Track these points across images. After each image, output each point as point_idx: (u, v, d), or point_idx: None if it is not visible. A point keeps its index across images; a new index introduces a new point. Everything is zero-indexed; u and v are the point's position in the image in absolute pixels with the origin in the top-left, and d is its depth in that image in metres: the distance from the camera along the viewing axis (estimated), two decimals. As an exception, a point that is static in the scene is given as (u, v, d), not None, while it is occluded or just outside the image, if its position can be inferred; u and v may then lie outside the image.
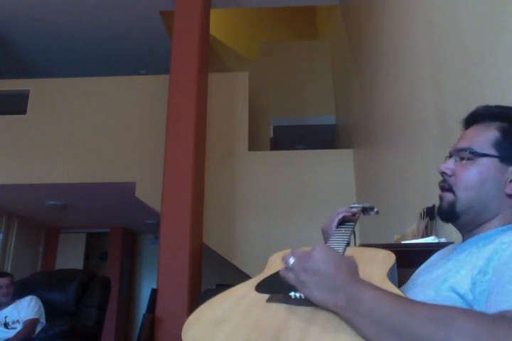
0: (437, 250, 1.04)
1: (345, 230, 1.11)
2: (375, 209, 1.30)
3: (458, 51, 2.07)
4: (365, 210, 1.28)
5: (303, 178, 5.13)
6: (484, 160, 0.85)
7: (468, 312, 0.62)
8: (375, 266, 0.87)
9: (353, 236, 1.17)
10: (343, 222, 1.18)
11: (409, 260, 1.09)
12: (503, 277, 0.66)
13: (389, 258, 0.91)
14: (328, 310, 0.69)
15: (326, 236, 1.18)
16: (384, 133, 3.64)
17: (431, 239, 1.93)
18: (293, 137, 7.02)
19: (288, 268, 0.75)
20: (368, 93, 4.22)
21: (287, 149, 6.57)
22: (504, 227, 0.83)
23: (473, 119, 0.91)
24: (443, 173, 0.90)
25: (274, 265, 0.96)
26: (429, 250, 1.08)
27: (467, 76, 1.98)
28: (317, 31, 8.53)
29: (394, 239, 2.66)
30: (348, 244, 1.05)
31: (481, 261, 0.73)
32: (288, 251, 0.95)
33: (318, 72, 6.99)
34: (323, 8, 7.49)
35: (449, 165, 0.89)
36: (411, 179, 2.85)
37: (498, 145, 0.84)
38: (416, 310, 0.62)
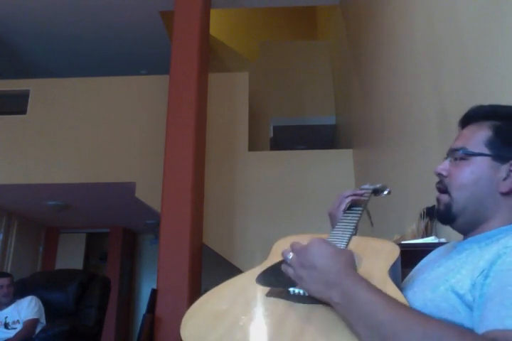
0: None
1: (352, 216, 1.08)
2: (388, 190, 1.24)
3: (458, 51, 2.07)
4: (376, 192, 1.23)
5: (303, 178, 5.13)
6: (477, 159, 0.85)
7: (453, 330, 0.64)
8: (378, 260, 0.87)
9: (367, 215, 1.13)
10: (351, 206, 1.14)
11: (409, 260, 1.10)
12: (505, 286, 0.66)
13: (393, 252, 0.90)
14: (326, 302, 0.72)
15: (333, 220, 1.15)
16: (384, 133, 3.64)
17: (431, 239, 1.93)
18: (293, 137, 7.01)
19: (288, 263, 0.79)
20: (368, 93, 4.22)
21: (287, 149, 6.57)
22: (507, 227, 0.82)
23: (468, 120, 0.92)
24: (439, 174, 0.91)
25: (278, 252, 0.95)
26: (429, 250, 1.08)
27: (467, 76, 1.98)
28: (317, 31, 8.53)
29: (394, 239, 2.66)
30: (355, 231, 1.03)
31: (483, 262, 0.72)
32: (289, 238, 0.96)
33: (318, 72, 6.98)
34: (323, 8, 7.49)
35: (445, 165, 0.91)
36: (411, 179, 2.85)
37: (490, 144, 0.85)
38: (404, 320, 0.64)
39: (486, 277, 0.69)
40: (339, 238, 0.96)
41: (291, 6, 7.01)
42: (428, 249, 1.09)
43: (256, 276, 0.87)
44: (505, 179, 0.83)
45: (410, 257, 1.18)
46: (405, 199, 2.96)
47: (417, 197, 2.65)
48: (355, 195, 1.16)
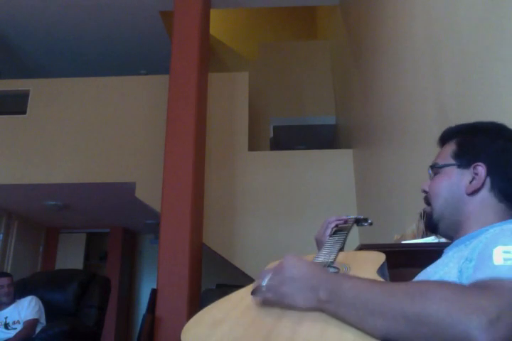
0: (437, 250, 1.05)
1: (338, 238, 1.17)
2: (369, 221, 1.36)
3: (458, 51, 2.08)
4: (358, 221, 1.33)
5: (303, 178, 5.13)
6: (446, 169, 0.99)
7: (442, 283, 0.70)
8: (367, 265, 0.93)
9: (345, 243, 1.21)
10: (336, 231, 1.23)
11: (409, 260, 1.10)
12: (484, 256, 0.73)
13: (379, 257, 0.98)
14: (315, 310, 0.73)
15: (319, 245, 1.24)
16: (384, 134, 3.64)
17: (431, 239, 1.93)
18: (293, 137, 7.01)
19: (263, 291, 0.78)
20: (368, 93, 4.22)
21: (287, 149, 6.56)
22: (487, 227, 0.89)
23: (443, 141, 1.07)
24: (423, 191, 1.05)
25: None
26: (429, 250, 1.08)
27: (467, 76, 1.98)
28: (317, 31, 8.53)
29: (394, 239, 2.67)
30: (341, 250, 1.10)
31: (468, 251, 0.80)
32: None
33: (318, 72, 6.98)
34: (323, 8, 7.49)
35: (427, 182, 1.04)
36: (411, 179, 2.85)
37: (455, 155, 0.99)
38: (392, 288, 0.68)
39: (471, 261, 0.76)
40: (327, 253, 1.04)
41: (291, 6, 7.01)
42: (428, 249, 1.09)
43: (250, 291, 0.90)
44: (471, 182, 0.94)
45: (410, 257, 1.18)
46: (405, 199, 2.96)
47: (417, 197, 2.64)
48: (339, 220, 1.28)
